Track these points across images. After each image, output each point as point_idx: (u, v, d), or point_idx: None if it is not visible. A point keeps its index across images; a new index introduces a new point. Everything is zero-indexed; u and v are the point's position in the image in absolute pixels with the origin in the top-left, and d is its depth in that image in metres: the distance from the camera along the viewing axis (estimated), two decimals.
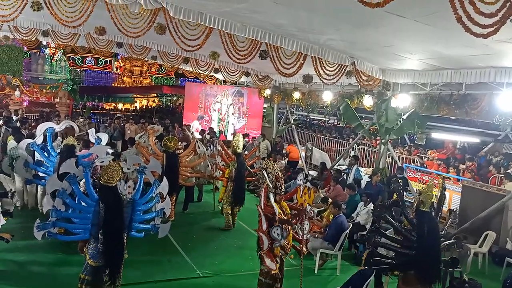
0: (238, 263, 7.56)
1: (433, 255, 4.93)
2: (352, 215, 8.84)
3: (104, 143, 8.67)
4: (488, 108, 8.32)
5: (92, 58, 27.50)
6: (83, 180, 5.49)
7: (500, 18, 3.82)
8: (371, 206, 8.56)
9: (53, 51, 23.48)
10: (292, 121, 16.81)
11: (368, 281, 5.40)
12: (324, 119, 25.58)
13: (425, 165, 12.92)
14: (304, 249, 6.28)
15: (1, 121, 13.66)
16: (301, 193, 6.57)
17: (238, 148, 9.36)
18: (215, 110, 17.69)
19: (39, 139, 8.44)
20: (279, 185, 6.03)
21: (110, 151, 7.96)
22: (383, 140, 11.14)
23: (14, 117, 15.19)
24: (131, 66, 28.33)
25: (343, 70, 9.08)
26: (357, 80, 9.57)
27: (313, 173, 13.35)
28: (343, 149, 15.25)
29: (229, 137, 16.24)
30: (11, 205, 6.44)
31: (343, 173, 11.66)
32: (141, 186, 5.69)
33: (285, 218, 5.87)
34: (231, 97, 17.44)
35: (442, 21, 5.33)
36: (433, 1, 4.81)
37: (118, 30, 8.13)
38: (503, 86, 7.79)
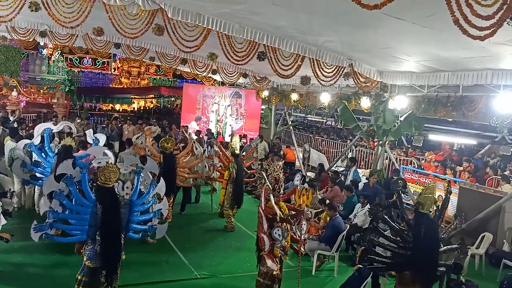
0: (235, 264, 7.55)
1: (430, 257, 4.90)
2: (350, 216, 8.85)
3: (102, 144, 8.66)
4: (485, 110, 8.34)
5: (90, 59, 27.42)
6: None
7: (497, 20, 3.83)
8: (368, 207, 8.57)
9: (51, 52, 23.39)
10: (290, 123, 16.82)
11: (365, 282, 5.41)
12: (322, 120, 25.60)
13: (422, 167, 12.95)
14: (302, 249, 6.29)
15: None
16: (299, 194, 6.59)
17: (236, 150, 9.37)
18: (213, 111, 17.69)
19: (36, 140, 8.42)
20: (278, 187, 6.04)
21: (109, 152, 7.96)
22: (380, 142, 11.16)
23: (11, 118, 15.15)
24: (128, 67, 28.27)
25: (341, 72, 9.09)
26: (354, 81, 9.59)
27: (310, 174, 13.36)
28: (341, 151, 15.27)
29: (227, 139, 16.24)
30: (10, 205, 6.43)
31: (340, 175, 11.67)
32: (138, 187, 5.68)
33: (286, 217, 5.88)
34: (229, 98, 17.45)
35: (439, 24, 5.35)
36: (431, 3, 4.83)
37: (116, 31, 8.12)
38: (500, 88, 7.82)
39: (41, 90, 21.65)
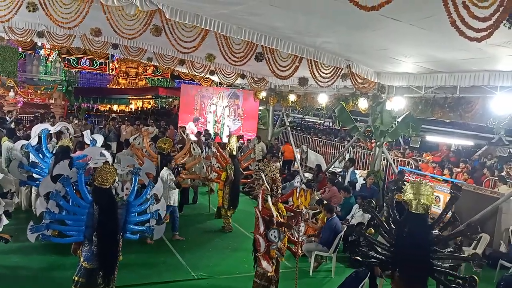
0: (233, 265, 7.55)
1: (414, 256, 4.78)
2: (347, 217, 8.86)
3: (99, 144, 8.65)
4: (482, 111, 8.37)
5: (87, 60, 27.38)
6: None
7: (493, 22, 3.85)
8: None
9: (48, 52, 23.35)
10: (288, 124, 16.84)
11: (363, 283, 5.41)
12: (320, 121, 25.64)
13: (419, 168, 12.97)
14: (299, 251, 6.29)
15: None
16: (297, 195, 6.59)
17: (234, 151, 9.38)
18: (210, 112, 17.68)
19: (34, 141, 8.40)
20: (275, 187, 6.04)
21: (107, 153, 7.94)
22: (378, 143, 11.18)
23: (8, 118, 15.10)
24: (126, 68, 28.26)
25: (339, 73, 9.11)
26: (352, 82, 9.61)
27: (308, 175, 13.37)
28: (338, 152, 15.28)
29: (225, 139, 16.24)
30: (11, 206, 6.40)
31: (338, 176, 11.68)
32: (135, 188, 5.67)
33: (283, 221, 5.88)
34: (227, 99, 17.45)
35: (436, 25, 5.37)
36: (428, 5, 4.84)
37: (113, 32, 8.11)
38: (497, 90, 7.85)
39: (39, 91, 21.61)
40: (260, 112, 17.53)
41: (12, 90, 19.61)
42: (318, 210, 8.69)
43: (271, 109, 16.80)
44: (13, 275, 6.43)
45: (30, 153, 8.31)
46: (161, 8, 7.33)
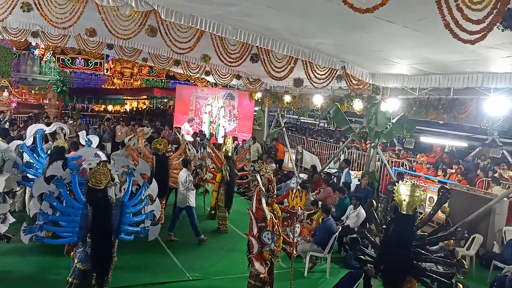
0: (228, 266, 7.55)
1: (394, 256, 4.85)
2: (342, 218, 8.88)
3: (94, 145, 8.62)
4: (475, 112, 8.42)
5: (82, 60, 27.21)
6: None
7: (487, 24, 3.88)
8: (360, 209, 8.62)
9: (43, 52, 23.23)
10: (283, 124, 16.86)
11: (357, 283, 5.44)
12: (315, 122, 25.69)
13: (413, 169, 13.03)
14: (294, 252, 6.30)
15: None
16: (292, 196, 6.60)
17: (229, 152, 9.39)
18: (206, 113, 17.67)
19: (29, 141, 8.35)
20: (272, 188, 6.04)
21: (102, 153, 7.91)
22: (372, 144, 11.22)
23: (1, 119, 15.00)
24: (121, 68, 28.13)
25: (334, 74, 9.14)
26: (347, 84, 9.64)
27: (303, 176, 13.39)
28: (333, 153, 15.33)
29: (220, 140, 16.23)
30: (13, 205, 6.38)
31: (333, 176, 11.71)
32: (130, 189, 5.66)
33: (278, 222, 5.88)
34: (222, 99, 17.44)
35: (430, 27, 5.40)
36: (422, 7, 4.87)
37: (108, 32, 8.09)
38: (490, 91, 7.90)
39: (33, 91, 21.50)
40: (256, 113, 17.55)
41: (6, 90, 19.50)
42: (313, 211, 8.71)
43: (266, 110, 16.81)
44: (7, 276, 6.39)
45: (23, 153, 8.25)
46: (156, 8, 7.33)
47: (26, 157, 8.24)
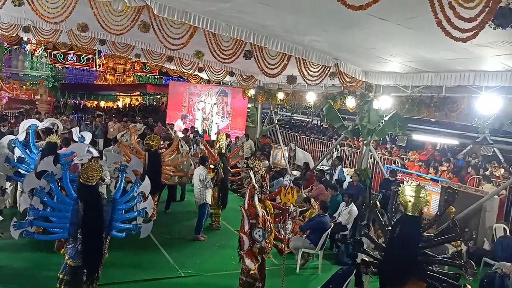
0: (220, 262, 7.56)
1: (401, 258, 4.78)
2: (334, 215, 8.92)
3: (87, 141, 8.57)
4: (467, 110, 8.47)
5: (74, 55, 27.00)
6: None
7: (479, 22, 3.89)
8: (352, 206, 8.66)
9: (34, 47, 22.98)
10: (276, 121, 16.87)
11: (349, 280, 5.47)
12: (308, 119, 25.73)
13: (406, 166, 13.11)
14: (286, 249, 6.31)
15: None
16: (285, 192, 6.62)
17: (223, 149, 9.38)
18: (199, 109, 17.62)
19: (21, 136, 8.29)
20: (265, 184, 6.06)
21: (94, 150, 7.87)
22: (365, 141, 11.26)
23: None
24: (114, 64, 27.94)
25: (327, 71, 9.14)
26: (340, 81, 9.65)
27: (296, 173, 13.42)
28: (326, 150, 15.37)
29: (213, 137, 16.21)
30: (2, 202, 6.32)
31: (325, 173, 11.75)
32: (122, 185, 5.64)
33: (270, 219, 5.89)
34: (215, 96, 17.40)
35: (423, 25, 5.41)
36: (415, 5, 4.88)
37: (101, 27, 8.02)
38: (482, 90, 7.95)
39: (24, 86, 21.32)
40: (249, 110, 17.53)
41: None
42: (306, 208, 8.74)
43: (259, 107, 16.80)
44: None
45: (15, 149, 8.18)
46: (149, 4, 7.27)
47: (18, 153, 8.17)
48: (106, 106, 27.02)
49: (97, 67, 28.34)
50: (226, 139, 10.81)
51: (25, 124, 8.61)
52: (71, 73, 27.56)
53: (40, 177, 5.23)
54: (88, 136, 8.87)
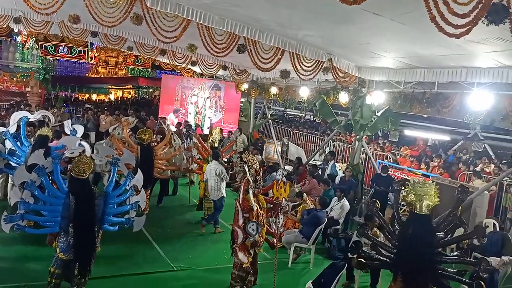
0: (212, 256, 7.56)
1: (417, 260, 4.66)
2: (326, 209, 8.95)
3: (79, 135, 8.50)
4: (459, 107, 8.53)
5: (66, 47, 26.71)
6: None
7: (472, 18, 3.91)
8: (344, 201, 8.70)
9: (25, 39, 22.72)
10: (269, 116, 16.86)
11: (340, 274, 5.51)
12: (301, 114, 25.75)
13: (397, 162, 13.19)
14: (278, 243, 6.34)
15: None
16: (277, 187, 6.64)
17: (215, 143, 9.36)
18: (191, 103, 17.55)
19: (12, 128, 8.20)
20: (258, 179, 6.07)
21: (86, 143, 7.80)
22: (357, 137, 11.30)
23: None
24: (106, 57, 27.69)
25: (320, 66, 9.14)
26: (333, 76, 9.66)
27: (288, 168, 13.45)
28: (319, 145, 15.40)
29: (206, 131, 16.17)
30: None
31: (318, 168, 11.78)
32: (114, 179, 5.61)
33: (263, 213, 5.91)
34: (208, 90, 17.34)
35: (417, 21, 5.42)
36: (409, 0, 4.89)
37: (93, 19, 7.93)
38: (474, 86, 8.01)
39: (15, 78, 21.10)
40: (242, 104, 17.50)
41: None
42: (298, 202, 8.76)
43: (252, 101, 16.78)
44: None
45: (5, 141, 8.09)
46: None
47: (9, 145, 8.09)
48: (98, 99, 26.81)
49: (89, 59, 28.08)
50: (221, 134, 10.80)
51: (16, 116, 8.52)
52: (63, 65, 27.28)
53: (31, 170, 5.18)
54: (80, 129, 8.80)
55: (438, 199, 4.77)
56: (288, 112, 26.76)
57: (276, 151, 15.26)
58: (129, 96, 27.83)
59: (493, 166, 12.03)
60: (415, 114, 11.23)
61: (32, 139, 8.15)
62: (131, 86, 26.72)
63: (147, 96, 28.34)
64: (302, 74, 9.27)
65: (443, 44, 6.24)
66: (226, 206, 9.64)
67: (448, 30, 4.20)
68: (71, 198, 5.07)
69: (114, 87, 27.06)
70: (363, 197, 11.28)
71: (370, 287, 6.77)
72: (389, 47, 7.89)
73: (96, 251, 5.50)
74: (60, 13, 8.54)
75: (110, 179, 5.57)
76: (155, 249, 7.61)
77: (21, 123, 8.18)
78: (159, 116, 16.59)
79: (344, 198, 8.75)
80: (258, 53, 8.78)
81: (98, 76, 27.31)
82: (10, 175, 8.29)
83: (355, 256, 4.94)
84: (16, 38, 22.59)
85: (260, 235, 5.72)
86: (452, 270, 4.89)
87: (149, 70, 29.87)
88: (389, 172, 11.19)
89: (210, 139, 9.58)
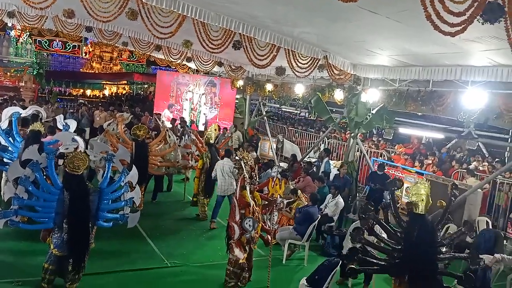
0: (207, 253, 7.57)
1: (423, 261, 4.69)
2: (321, 206, 8.98)
3: (72, 129, 8.46)
4: (453, 105, 8.55)
5: (60, 42, 26.51)
6: None
7: (468, 17, 3.93)
8: (339, 198, 8.73)
9: (19, 33, 22.52)
10: (264, 113, 16.85)
11: (334, 271, 5.53)
12: (296, 111, 25.76)
13: (392, 159, 13.23)
14: (272, 239, 6.36)
15: None
16: (272, 184, 6.66)
17: (211, 139, 9.35)
18: (186, 100, 17.50)
19: (4, 124, 8.14)
20: (254, 175, 6.09)
21: (79, 138, 7.77)
22: (352, 134, 11.33)
23: None
24: (100, 52, 27.52)
25: (316, 64, 9.14)
26: (329, 74, 9.67)
27: (283, 165, 13.46)
28: (314, 142, 15.42)
29: (201, 127, 16.14)
30: None
31: (313, 165, 11.80)
32: (108, 175, 5.59)
33: (259, 209, 5.92)
34: (204, 86, 17.29)
35: (412, 19, 5.43)
36: None
37: (87, 14, 7.87)
38: (468, 84, 8.04)
39: (8, 73, 20.92)
40: (237, 101, 17.48)
41: None
42: (292, 199, 8.78)
43: (248, 98, 16.75)
44: None
45: None
46: None
47: (1, 141, 8.04)
48: (93, 95, 26.66)
49: (83, 54, 27.90)
50: (219, 131, 10.82)
51: (7, 112, 8.46)
52: (57, 60, 27.09)
53: (24, 165, 5.15)
54: (73, 124, 8.76)
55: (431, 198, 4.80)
56: (283, 109, 26.76)
57: (271, 148, 15.26)
58: (124, 92, 27.70)
59: (486, 164, 12.10)
60: (410, 112, 11.26)
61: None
62: (125, 82, 26.61)
63: (141, 92, 28.23)
64: (298, 71, 9.27)
65: (438, 42, 6.26)
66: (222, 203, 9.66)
67: (444, 28, 4.21)
68: (66, 194, 5.05)
69: (109, 82, 26.93)
70: (357, 195, 11.32)
71: (364, 284, 6.81)
72: (385, 45, 7.91)
73: (90, 247, 5.49)
74: (54, 8, 8.46)
75: (104, 175, 5.55)
76: (150, 245, 7.60)
77: (13, 118, 8.12)
78: (154, 112, 16.53)
79: (339, 195, 8.77)
80: (254, 50, 8.77)
81: (92, 71, 27.15)
82: (3, 171, 8.26)
83: (351, 262, 4.94)
84: (9, 33, 22.39)
85: (255, 231, 5.74)
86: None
87: (144, 65, 29.72)
88: (384, 170, 11.21)
89: (205, 135, 9.57)
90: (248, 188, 5.81)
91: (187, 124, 15.55)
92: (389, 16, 5.80)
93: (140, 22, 8.04)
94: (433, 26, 4.23)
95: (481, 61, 7.16)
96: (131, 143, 8.88)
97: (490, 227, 8.81)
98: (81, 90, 26.28)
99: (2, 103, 15.44)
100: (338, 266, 5.64)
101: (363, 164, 12.72)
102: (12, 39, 22.35)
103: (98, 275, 6.16)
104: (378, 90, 10.05)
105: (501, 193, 9.97)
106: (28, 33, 22.36)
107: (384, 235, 5.20)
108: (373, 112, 10.75)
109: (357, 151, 12.16)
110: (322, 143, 14.58)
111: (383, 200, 10.20)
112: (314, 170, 11.50)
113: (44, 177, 5.29)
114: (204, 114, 17.27)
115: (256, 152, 14.41)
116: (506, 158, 13.12)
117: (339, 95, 11.25)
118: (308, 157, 13.76)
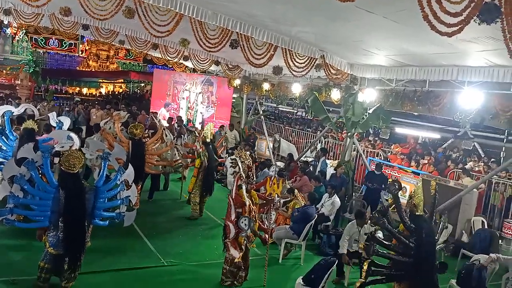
0: (203, 252, 7.56)
1: (431, 262, 4.76)
2: (317, 206, 8.99)
3: (66, 127, 8.41)
4: (449, 105, 8.58)
5: (56, 40, 26.40)
6: None
7: (464, 17, 3.94)
8: (335, 197, 8.74)
9: (15, 31, 22.43)
10: (261, 112, 16.85)
11: (330, 270, 5.53)
12: (293, 111, 25.76)
13: (388, 159, 13.26)
14: (270, 239, 6.37)
15: None
16: (270, 183, 6.66)
17: (208, 138, 9.34)
18: (183, 98, 17.47)
19: None
20: (251, 174, 6.09)
21: (75, 136, 7.73)
22: (349, 134, 11.35)
23: None
24: (97, 50, 27.44)
25: (313, 63, 9.15)
26: (326, 73, 9.67)
27: (280, 164, 13.46)
28: (310, 141, 15.43)
29: (197, 126, 16.11)
30: None
31: (309, 165, 11.81)
32: (104, 173, 5.57)
33: (255, 208, 5.92)
34: (200, 85, 17.27)
35: (409, 19, 5.44)
36: None
37: (84, 12, 7.86)
38: (465, 85, 8.07)
39: (4, 71, 20.83)
40: (234, 100, 17.46)
41: None
42: (289, 198, 8.78)
43: (245, 97, 16.74)
44: None
45: None
46: None
47: None
48: (89, 93, 26.58)
49: (80, 52, 27.79)
50: (214, 127, 10.83)
51: (0, 110, 8.42)
52: (53, 58, 26.98)
53: (20, 164, 5.13)
54: (66, 122, 8.71)
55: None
56: (280, 109, 26.75)
57: (268, 147, 15.26)
58: (120, 90, 27.63)
59: (482, 164, 12.15)
60: (406, 112, 11.28)
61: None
62: (122, 80, 26.53)
63: (138, 91, 28.16)
64: (295, 71, 9.28)
65: (435, 42, 6.27)
66: (216, 202, 9.67)
67: (440, 28, 4.22)
68: (61, 192, 5.03)
69: (105, 81, 26.86)
70: (353, 194, 11.34)
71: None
72: (382, 45, 7.92)
73: (86, 246, 5.47)
74: (50, 5, 8.45)
75: (100, 173, 5.53)
76: (146, 244, 7.58)
77: (5, 117, 8.08)
78: (150, 110, 16.50)
79: (335, 194, 8.79)
80: (251, 49, 8.76)
81: (89, 69, 27.08)
82: None
83: (368, 260, 4.97)
84: (6, 30, 22.29)
85: (252, 230, 5.74)
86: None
87: (140, 64, 29.65)
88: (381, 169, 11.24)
89: (201, 134, 9.57)
90: (244, 187, 5.81)
91: (184, 123, 15.53)
92: (387, 16, 5.81)
93: (137, 20, 8.02)
94: (430, 26, 4.24)
95: (478, 61, 7.18)
96: (128, 141, 8.86)
97: (486, 227, 8.86)
98: (78, 88, 26.20)
99: None
100: (334, 265, 5.65)
101: (359, 164, 12.74)
102: (8, 36, 22.26)
103: (94, 274, 6.14)
104: (375, 90, 10.07)
105: (497, 193, 10.02)
106: (24, 31, 22.29)
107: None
108: (370, 111, 10.77)
109: (354, 150, 12.18)
110: (319, 143, 14.60)
111: (380, 200, 10.24)
112: (311, 169, 11.52)
113: (40, 175, 5.27)
114: (201, 113, 17.25)
115: (253, 151, 14.42)
116: (502, 158, 13.17)
117: (336, 94, 11.26)
118: (305, 157, 13.77)
